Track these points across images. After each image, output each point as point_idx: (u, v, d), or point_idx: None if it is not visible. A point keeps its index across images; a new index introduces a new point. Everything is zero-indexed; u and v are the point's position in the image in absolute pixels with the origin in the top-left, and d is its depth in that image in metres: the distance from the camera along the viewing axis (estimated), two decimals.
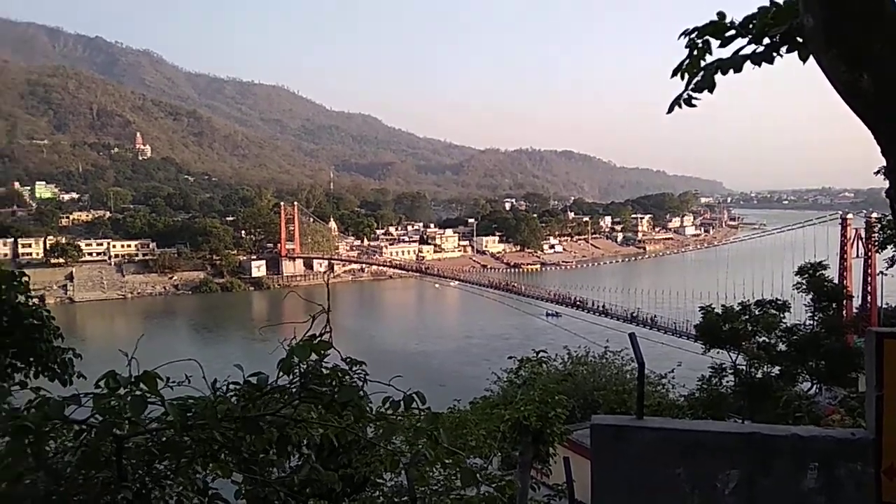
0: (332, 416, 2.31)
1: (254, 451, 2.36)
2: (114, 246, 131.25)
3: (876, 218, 28.09)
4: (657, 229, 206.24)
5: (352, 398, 2.22)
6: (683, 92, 2.77)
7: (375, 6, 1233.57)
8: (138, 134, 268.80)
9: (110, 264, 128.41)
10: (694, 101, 2.77)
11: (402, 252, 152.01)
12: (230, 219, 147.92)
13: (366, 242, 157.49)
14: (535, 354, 11.14)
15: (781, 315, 23.24)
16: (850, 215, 54.59)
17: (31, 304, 6.91)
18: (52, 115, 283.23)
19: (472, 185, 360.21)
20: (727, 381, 23.09)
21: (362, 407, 2.22)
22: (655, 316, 64.03)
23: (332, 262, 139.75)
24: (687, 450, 3.51)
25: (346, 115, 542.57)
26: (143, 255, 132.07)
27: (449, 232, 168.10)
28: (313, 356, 2.25)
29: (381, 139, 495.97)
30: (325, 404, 2.27)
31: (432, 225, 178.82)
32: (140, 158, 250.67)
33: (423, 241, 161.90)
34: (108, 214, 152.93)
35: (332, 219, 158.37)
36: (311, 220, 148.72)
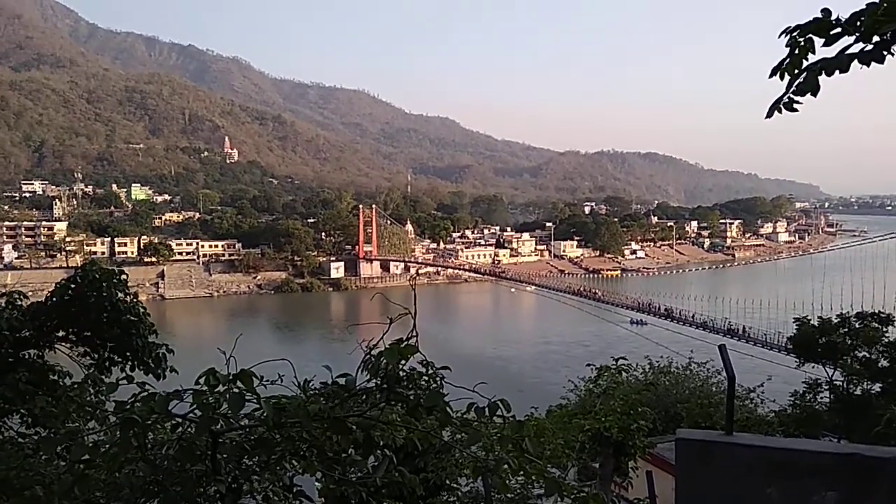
0: (416, 419, 2.32)
1: (338, 450, 2.42)
2: (202, 246, 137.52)
3: None
4: (747, 235, 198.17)
5: (437, 403, 2.22)
6: (784, 94, 2.62)
7: (453, 11, 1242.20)
8: (227, 138, 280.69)
9: (198, 263, 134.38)
10: (796, 105, 2.62)
11: (478, 256, 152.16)
12: (311, 221, 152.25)
13: (441, 245, 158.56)
14: (614, 363, 10.88)
15: (884, 329, 21.84)
16: None
17: (128, 300, 7.34)
18: (148, 121, 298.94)
19: (551, 188, 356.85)
20: (822, 398, 21.88)
21: (447, 412, 2.22)
22: (746, 327, 61.41)
23: (408, 264, 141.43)
24: (780, 469, 3.34)
25: (424, 118, 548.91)
26: (229, 255, 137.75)
27: (526, 236, 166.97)
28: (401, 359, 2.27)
29: (459, 142, 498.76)
30: (409, 408, 2.29)
31: (509, 228, 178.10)
32: (228, 162, 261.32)
33: (499, 245, 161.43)
34: (197, 215, 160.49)
35: (408, 221, 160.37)
36: (389, 222, 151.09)
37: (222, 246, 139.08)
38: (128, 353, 7.16)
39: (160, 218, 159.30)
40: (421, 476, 3.22)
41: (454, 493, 6.94)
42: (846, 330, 22.22)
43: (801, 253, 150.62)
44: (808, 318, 24.22)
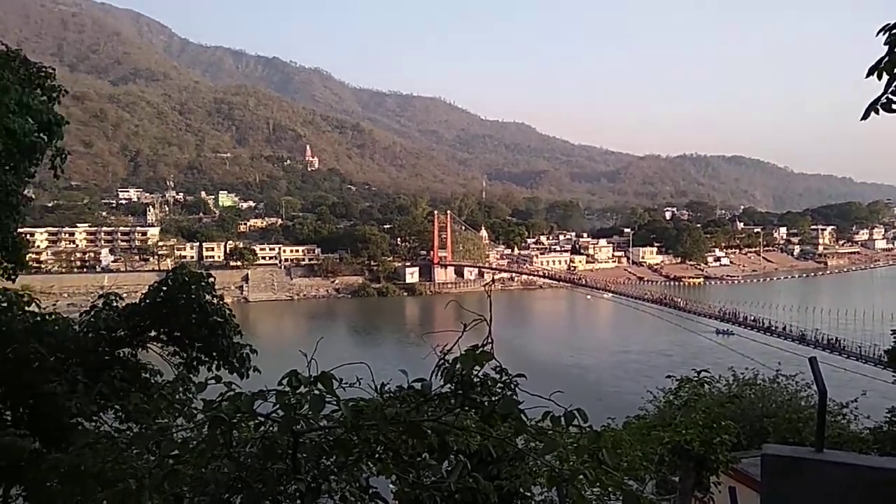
0: (490, 426, 2.33)
1: (413, 454, 2.45)
2: (284, 251, 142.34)
3: None
4: (841, 242, 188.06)
5: (512, 410, 2.22)
6: (882, 95, 2.48)
7: (530, 16, 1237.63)
8: (308, 147, 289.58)
9: (280, 268, 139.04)
10: (894, 106, 2.47)
11: (553, 262, 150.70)
12: (387, 226, 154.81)
13: (516, 251, 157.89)
14: (696, 374, 10.53)
15: None
16: None
17: (215, 302, 7.68)
18: (235, 131, 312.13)
19: (629, 194, 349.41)
20: None
21: (522, 420, 2.21)
22: (839, 338, 58.14)
23: (483, 270, 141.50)
24: (873, 489, 3.16)
25: (499, 123, 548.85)
26: (309, 259, 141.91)
27: (602, 242, 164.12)
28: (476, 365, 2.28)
29: (535, 147, 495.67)
30: (484, 415, 2.29)
31: (585, 234, 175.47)
32: (309, 169, 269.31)
33: (574, 251, 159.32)
34: (279, 221, 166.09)
35: (483, 227, 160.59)
36: (463, 228, 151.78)
37: (303, 251, 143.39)
38: (214, 353, 7.47)
39: (245, 224, 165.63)
40: (495, 483, 3.21)
41: (527, 502, 6.88)
42: None
43: None
44: None
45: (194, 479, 2.57)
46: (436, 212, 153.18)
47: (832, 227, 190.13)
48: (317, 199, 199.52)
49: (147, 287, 7.86)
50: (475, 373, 2.42)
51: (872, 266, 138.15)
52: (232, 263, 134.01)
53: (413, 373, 2.88)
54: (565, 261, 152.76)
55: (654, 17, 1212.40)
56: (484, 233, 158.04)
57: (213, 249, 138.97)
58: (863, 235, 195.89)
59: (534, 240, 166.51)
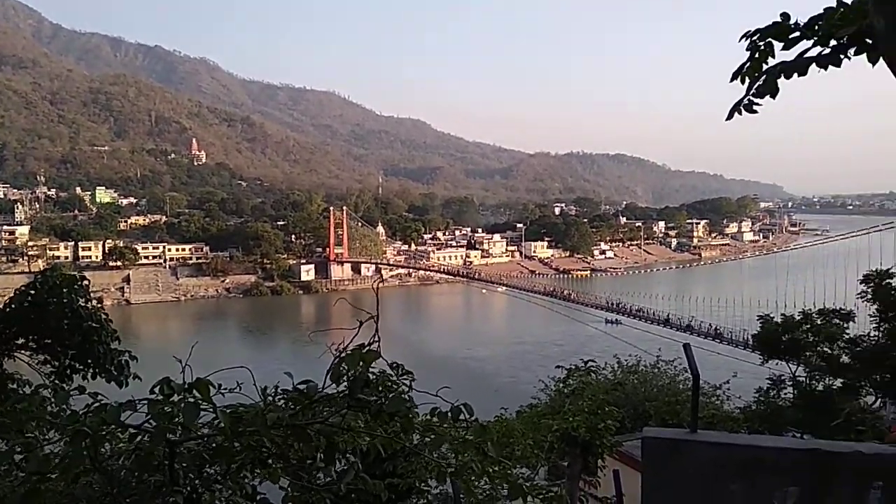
0: (380, 425, 2.30)
1: (301, 457, 2.38)
2: (169, 249, 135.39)
3: None
4: (713, 235, 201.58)
5: (400, 408, 2.21)
6: (744, 97, 2.67)
7: (423, 14, 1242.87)
8: (194, 140, 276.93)
9: (165, 267, 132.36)
10: (755, 107, 2.67)
11: (450, 257, 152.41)
12: (281, 223, 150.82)
13: (413, 247, 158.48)
14: (583, 363, 10.97)
15: (845, 325, 22.35)
16: None
17: (90, 306, 7.19)
18: (113, 122, 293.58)
19: (521, 190, 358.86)
20: (786, 394, 22.32)
21: (410, 417, 2.20)
22: (712, 325, 62.43)
23: (380, 266, 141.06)
24: (744, 466, 3.40)
25: (395, 119, 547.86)
26: (197, 258, 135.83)
27: (497, 237, 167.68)
28: (361, 365, 2.25)
29: (430, 144, 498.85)
30: (373, 413, 2.26)
31: (480, 230, 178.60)
32: (195, 164, 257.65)
33: (470, 247, 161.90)
34: (163, 219, 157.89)
35: (380, 223, 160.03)
36: (360, 224, 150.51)
37: (190, 249, 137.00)
38: (89, 361, 7.00)
39: (126, 221, 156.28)
40: (387, 481, 3.19)
41: (424, 496, 6.93)
42: (808, 327, 22.68)
43: (765, 252, 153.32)
44: (772, 315, 24.70)
45: (64, 496, 2.38)
46: (331, 208, 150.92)
47: (705, 220, 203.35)
48: (204, 195, 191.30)
49: (14, 291, 7.26)
50: (370, 371, 2.40)
51: (741, 257, 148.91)
52: (111, 264, 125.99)
53: (311, 372, 2.80)
54: (461, 256, 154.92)
55: (543, 15, 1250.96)
56: (381, 229, 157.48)
57: (89, 249, 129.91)
58: (733, 228, 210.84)
59: (430, 235, 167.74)
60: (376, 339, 2.32)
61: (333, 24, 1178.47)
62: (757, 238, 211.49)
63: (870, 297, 22.47)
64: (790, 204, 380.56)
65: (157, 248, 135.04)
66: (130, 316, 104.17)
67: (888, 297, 22.24)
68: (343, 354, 3.25)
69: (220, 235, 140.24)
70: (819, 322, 22.58)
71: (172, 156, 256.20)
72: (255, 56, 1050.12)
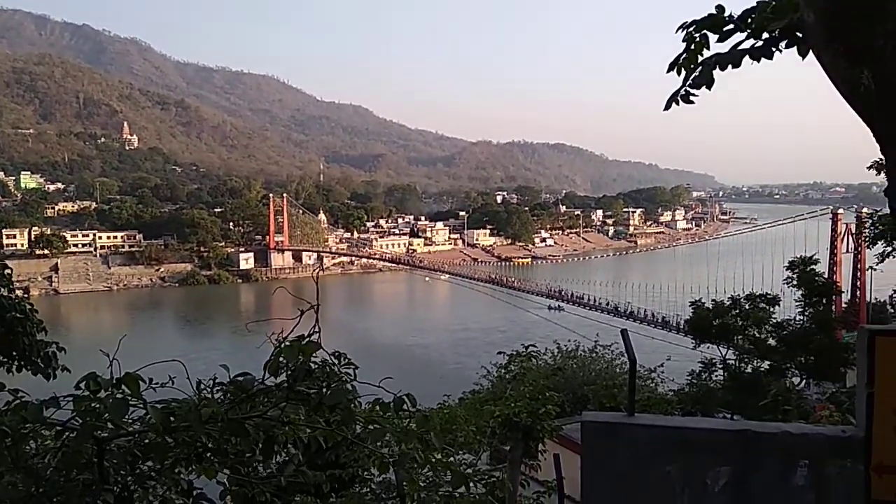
0: (320, 417, 2.26)
1: (239, 451, 2.32)
2: (100, 237, 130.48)
3: (867, 213, 28.33)
4: (648, 223, 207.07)
5: (341, 400, 2.17)
6: (681, 88, 2.72)
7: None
8: (125, 124, 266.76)
9: (96, 256, 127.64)
10: (692, 98, 2.73)
11: (393, 245, 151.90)
12: (218, 210, 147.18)
13: (356, 235, 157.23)
14: (524, 349, 11.11)
15: (771, 309, 23.36)
16: (840, 210, 55.08)
17: (13, 297, 6.83)
18: (38, 104, 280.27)
19: (464, 178, 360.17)
20: (716, 376, 23.22)
21: (351, 409, 2.17)
22: (649, 311, 64.31)
23: (322, 254, 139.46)
24: (679, 447, 3.49)
25: (336, 105, 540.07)
26: (130, 246, 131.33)
27: (439, 225, 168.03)
28: (301, 357, 2.20)
29: (373, 130, 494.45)
30: (312, 406, 2.22)
31: (423, 218, 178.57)
32: (127, 148, 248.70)
33: (413, 234, 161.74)
34: (94, 205, 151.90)
35: (321, 211, 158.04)
36: (301, 212, 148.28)
37: (122, 237, 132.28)
38: (14, 353, 6.67)
39: (53, 208, 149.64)
40: (328, 472, 3.15)
41: (367, 485, 6.91)
42: (737, 312, 23.64)
43: (697, 240, 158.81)
44: (703, 301, 25.62)
45: None
46: (271, 195, 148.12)
47: (641, 209, 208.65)
48: (137, 181, 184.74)
49: None
50: (312, 362, 2.34)
51: (675, 244, 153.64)
52: (38, 252, 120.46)
53: (248, 363, 2.72)
54: (404, 244, 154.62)
55: (486, 4, 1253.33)
56: (322, 216, 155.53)
57: (14, 237, 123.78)
58: (667, 217, 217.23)
59: (373, 223, 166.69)
60: (316, 329, 2.27)
61: (272, 7, 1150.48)
62: (690, 226, 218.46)
63: (795, 282, 23.55)
64: (721, 193, 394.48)
65: (87, 235, 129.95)
66: (59, 306, 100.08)
67: (812, 282, 23.35)
68: (282, 345, 3.19)
69: (154, 222, 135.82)
70: (747, 307, 23.55)
71: (102, 140, 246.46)
72: (190, 37, 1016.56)
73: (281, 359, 2.19)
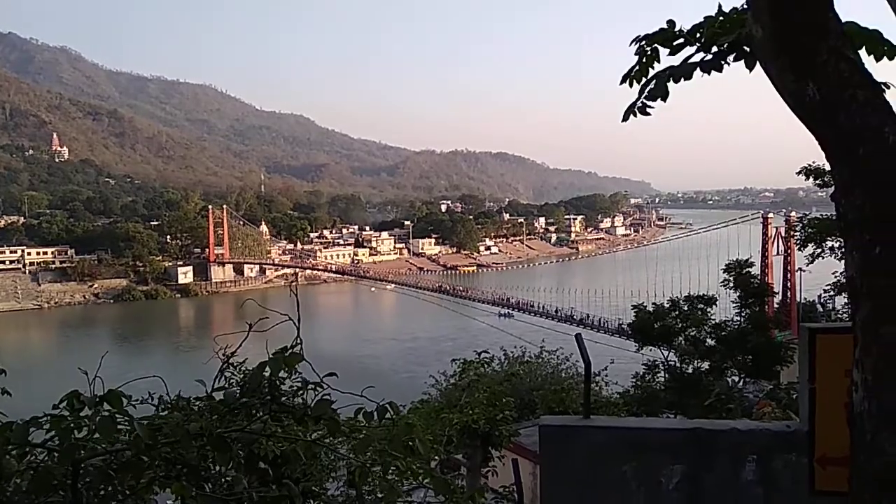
0: (302, 429, 2.25)
1: (210, 468, 2.27)
2: (29, 253, 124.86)
3: (795, 217, 29.72)
4: (589, 230, 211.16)
5: (326, 411, 2.17)
6: (637, 100, 2.83)
7: (300, 6, 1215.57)
8: (55, 135, 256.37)
9: (25, 273, 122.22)
10: (648, 110, 2.85)
11: (337, 255, 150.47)
12: (155, 223, 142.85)
13: (299, 246, 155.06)
14: (477, 356, 11.18)
15: (709, 309, 24.17)
16: (770, 215, 57.30)
17: None
18: None
19: (408, 187, 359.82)
20: (660, 378, 23.84)
21: (336, 420, 2.17)
22: (593, 316, 65.52)
23: (265, 266, 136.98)
24: (633, 447, 3.61)
25: (277, 115, 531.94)
26: (61, 262, 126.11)
27: (385, 234, 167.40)
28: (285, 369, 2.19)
29: (314, 140, 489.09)
30: (297, 418, 2.21)
31: (368, 227, 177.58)
32: (57, 161, 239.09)
33: (358, 244, 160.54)
34: (22, 220, 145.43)
35: (263, 222, 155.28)
36: (242, 223, 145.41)
37: (52, 253, 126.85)
38: None
39: None
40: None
41: (320, 499, 6.83)
42: (677, 313, 24.38)
43: (636, 245, 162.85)
44: (644, 304, 26.31)
45: None
46: (210, 206, 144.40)
47: (582, 216, 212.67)
48: (68, 194, 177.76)
49: None
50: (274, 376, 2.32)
51: (615, 250, 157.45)
52: None
53: (192, 380, 2.66)
54: (349, 254, 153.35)
55: (423, 14, 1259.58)
56: (264, 228, 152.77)
57: None
58: (606, 223, 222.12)
59: (317, 234, 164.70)
60: (298, 341, 2.26)
61: (207, 14, 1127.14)
62: (628, 232, 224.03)
63: (731, 284, 24.45)
64: (657, 199, 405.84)
65: (15, 251, 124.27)
66: None
67: (747, 284, 24.28)
68: (233, 359, 3.15)
69: (87, 237, 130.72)
70: (686, 308, 24.31)
71: (31, 152, 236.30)
72: (123, 45, 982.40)
73: (264, 371, 2.17)
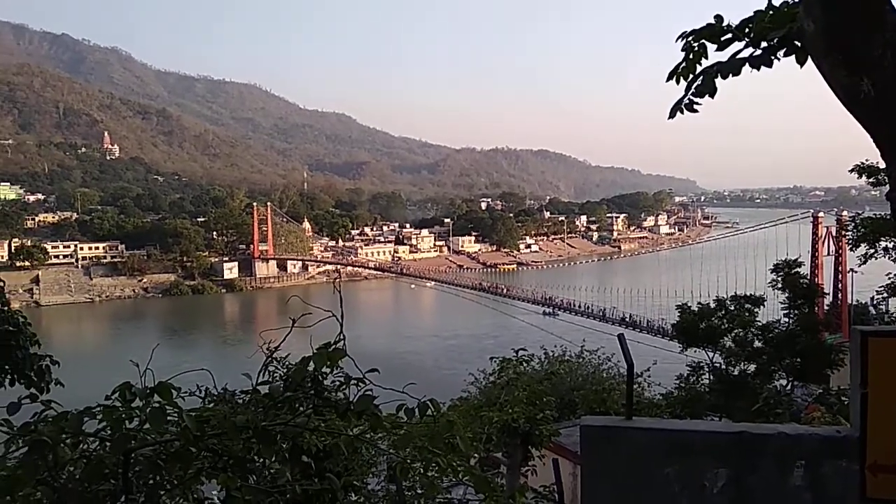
0: (344, 424, 2.28)
1: (255, 461, 2.32)
2: (81, 248, 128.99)
3: (848, 216, 28.73)
4: (632, 228, 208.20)
5: (368, 406, 2.19)
6: (684, 96, 2.78)
7: (351, 2, 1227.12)
8: (106, 133, 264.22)
9: (77, 267, 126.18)
10: (696, 107, 2.79)
11: (378, 252, 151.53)
12: (201, 220, 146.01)
13: (340, 243, 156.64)
14: (515, 354, 11.13)
15: (756, 309, 23.56)
16: (821, 214, 55.61)
17: (6, 309, 6.75)
18: (17, 115, 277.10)
19: (448, 185, 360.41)
20: (704, 379, 23.36)
21: (378, 416, 2.19)
22: (632, 315, 64.65)
23: (307, 263, 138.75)
24: (677, 450, 3.55)
25: (319, 113, 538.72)
26: (112, 257, 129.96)
27: (425, 232, 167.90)
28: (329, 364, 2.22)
29: (356, 138, 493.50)
30: (340, 413, 2.24)
31: (408, 225, 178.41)
32: (108, 158, 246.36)
33: (398, 242, 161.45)
34: (74, 216, 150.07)
35: (305, 219, 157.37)
36: (285, 220, 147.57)
37: (103, 248, 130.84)
38: (7, 367, 6.59)
39: (33, 219, 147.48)
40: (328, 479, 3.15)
41: (361, 493, 6.91)
42: (723, 314, 23.82)
43: (680, 244, 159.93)
44: (689, 304, 25.79)
45: None
46: (255, 204, 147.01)
47: (624, 214, 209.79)
48: (118, 191, 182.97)
49: None
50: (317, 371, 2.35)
51: (658, 249, 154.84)
52: (18, 264, 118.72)
53: (234, 372, 2.71)
54: (389, 251, 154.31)
55: (464, 10, 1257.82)
56: (307, 225, 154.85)
57: None
58: (650, 222, 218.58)
59: (358, 231, 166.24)
60: (342, 336, 2.29)
61: (253, 14, 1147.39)
62: (672, 231, 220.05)
63: (780, 285, 23.79)
64: (703, 198, 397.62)
65: (69, 246, 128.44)
66: (41, 319, 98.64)
67: (796, 285, 23.61)
68: (276, 353, 3.20)
69: (136, 233, 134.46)
70: (732, 308, 23.74)
71: (83, 150, 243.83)
72: (170, 46, 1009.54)
73: (309, 367, 2.20)
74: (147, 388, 2.04)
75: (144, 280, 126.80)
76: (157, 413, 1.99)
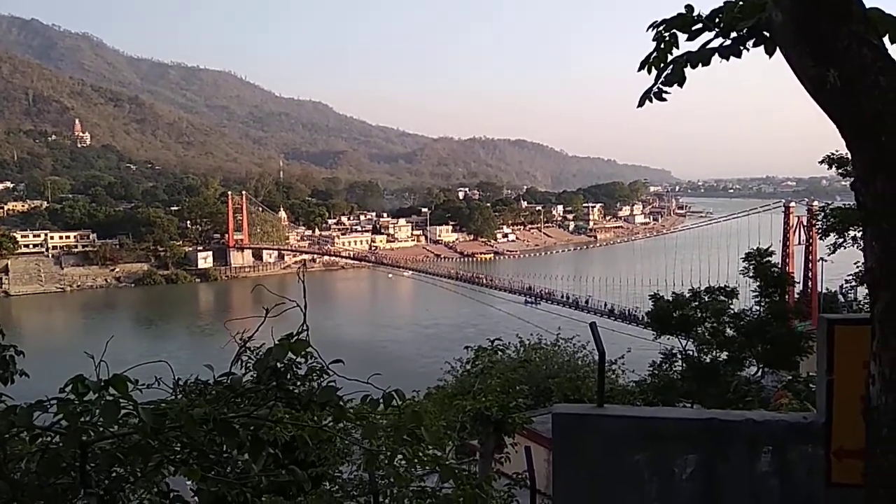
0: (307, 415, 2.26)
1: (221, 452, 2.29)
2: (52, 237, 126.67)
3: (818, 206, 29.24)
4: (608, 218, 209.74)
5: (331, 398, 2.17)
6: (654, 85, 2.79)
7: None
8: (77, 121, 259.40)
9: (48, 256, 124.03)
10: (664, 95, 2.80)
11: (355, 242, 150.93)
12: (175, 209, 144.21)
13: (317, 232, 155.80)
14: (490, 343, 11.18)
15: (730, 301, 23.94)
16: (792, 204, 56.49)
17: None
18: None
19: (426, 174, 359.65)
20: (677, 367, 23.69)
21: (342, 407, 2.17)
22: (608, 303, 65.29)
23: (282, 252, 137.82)
24: (647, 436, 3.59)
25: (295, 101, 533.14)
26: (83, 246, 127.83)
27: (402, 221, 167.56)
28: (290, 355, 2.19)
29: (333, 127, 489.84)
30: (302, 405, 2.21)
31: (385, 214, 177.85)
32: (79, 146, 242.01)
33: (375, 231, 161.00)
34: (45, 204, 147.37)
35: (281, 208, 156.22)
36: (260, 209, 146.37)
37: (75, 237, 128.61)
38: None
39: (2, 208, 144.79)
40: (303, 469, 3.13)
41: (335, 482, 6.91)
42: (697, 303, 24.17)
43: (655, 233, 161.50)
44: (663, 293, 26.11)
45: None
46: (230, 192, 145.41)
47: (600, 204, 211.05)
48: (90, 179, 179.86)
49: None
50: (286, 361, 2.33)
51: (633, 238, 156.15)
52: None
53: (208, 363, 2.67)
54: (367, 241, 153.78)
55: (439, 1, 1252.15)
56: (283, 214, 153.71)
57: None
58: (625, 211, 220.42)
59: (335, 220, 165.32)
60: (305, 327, 2.26)
61: (228, 0, 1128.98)
62: (648, 220, 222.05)
63: (751, 273, 24.16)
64: (677, 188, 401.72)
65: (39, 235, 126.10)
66: (10, 308, 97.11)
67: (767, 274, 24.00)
68: (250, 343, 3.16)
69: (109, 222, 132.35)
70: (706, 299, 24.09)
71: (53, 137, 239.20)
72: (143, 32, 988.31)
73: (269, 357, 2.17)
74: (101, 380, 1.99)
75: (117, 269, 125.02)
76: (110, 406, 1.94)
